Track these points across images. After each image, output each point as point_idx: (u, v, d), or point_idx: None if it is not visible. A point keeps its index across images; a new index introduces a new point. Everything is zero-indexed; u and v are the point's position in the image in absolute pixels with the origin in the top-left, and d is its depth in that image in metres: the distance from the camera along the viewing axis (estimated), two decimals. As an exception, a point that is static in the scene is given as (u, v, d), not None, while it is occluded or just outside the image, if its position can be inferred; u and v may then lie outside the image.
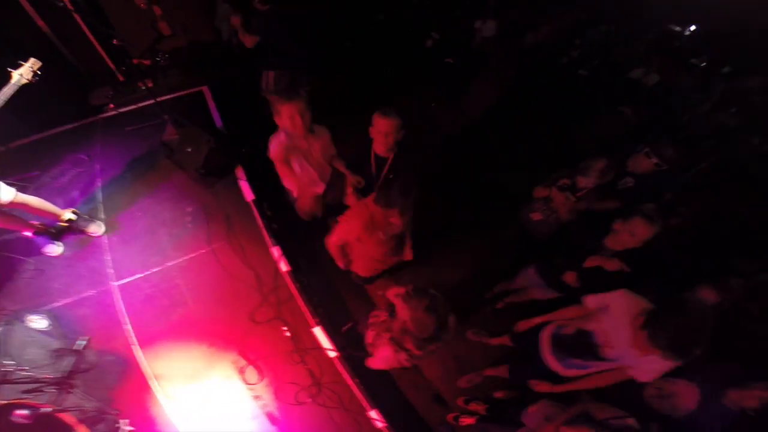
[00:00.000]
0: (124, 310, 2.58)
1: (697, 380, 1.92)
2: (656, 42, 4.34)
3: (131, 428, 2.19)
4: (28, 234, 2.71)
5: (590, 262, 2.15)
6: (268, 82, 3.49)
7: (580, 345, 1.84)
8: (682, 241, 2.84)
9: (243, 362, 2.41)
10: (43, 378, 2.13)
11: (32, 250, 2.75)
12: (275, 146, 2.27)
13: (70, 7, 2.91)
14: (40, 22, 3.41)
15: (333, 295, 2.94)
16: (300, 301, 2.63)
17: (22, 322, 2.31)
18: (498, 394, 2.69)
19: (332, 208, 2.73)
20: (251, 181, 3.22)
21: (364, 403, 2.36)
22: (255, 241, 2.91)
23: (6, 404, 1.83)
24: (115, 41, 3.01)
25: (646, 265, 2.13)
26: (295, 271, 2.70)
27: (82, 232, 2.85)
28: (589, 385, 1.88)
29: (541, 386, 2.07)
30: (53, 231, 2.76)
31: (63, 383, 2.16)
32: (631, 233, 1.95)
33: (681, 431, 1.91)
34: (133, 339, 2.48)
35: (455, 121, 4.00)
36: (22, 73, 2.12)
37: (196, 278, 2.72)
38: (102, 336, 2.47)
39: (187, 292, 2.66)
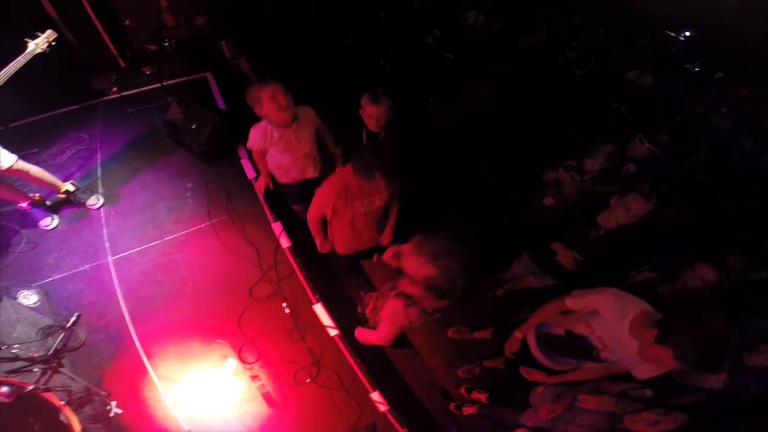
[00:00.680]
0: (118, 285, 2.50)
1: None
2: (651, 47, 4.51)
3: (120, 410, 2.09)
4: (24, 205, 2.65)
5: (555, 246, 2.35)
6: (225, 54, 3.58)
7: (573, 347, 1.77)
8: (678, 231, 2.89)
9: (241, 340, 2.33)
10: (30, 356, 2.03)
11: (27, 222, 2.67)
12: (256, 135, 2.23)
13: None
14: (50, 9, 3.43)
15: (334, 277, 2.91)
16: (301, 278, 2.58)
17: (12, 297, 2.22)
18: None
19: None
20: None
21: (366, 384, 2.28)
22: (256, 217, 2.86)
23: (-14, 382, 1.73)
24: (128, 22, 3.03)
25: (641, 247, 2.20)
26: (296, 247, 2.65)
27: (80, 204, 2.80)
28: (587, 376, 1.83)
29: (534, 375, 2.02)
30: (49, 204, 2.69)
31: (50, 361, 2.06)
32: (626, 208, 2.05)
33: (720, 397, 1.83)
34: (127, 316, 2.39)
35: (453, 115, 4.05)
36: (38, 43, 2.18)
37: (195, 253, 2.66)
38: (94, 312, 2.38)
39: (184, 267, 2.59)
